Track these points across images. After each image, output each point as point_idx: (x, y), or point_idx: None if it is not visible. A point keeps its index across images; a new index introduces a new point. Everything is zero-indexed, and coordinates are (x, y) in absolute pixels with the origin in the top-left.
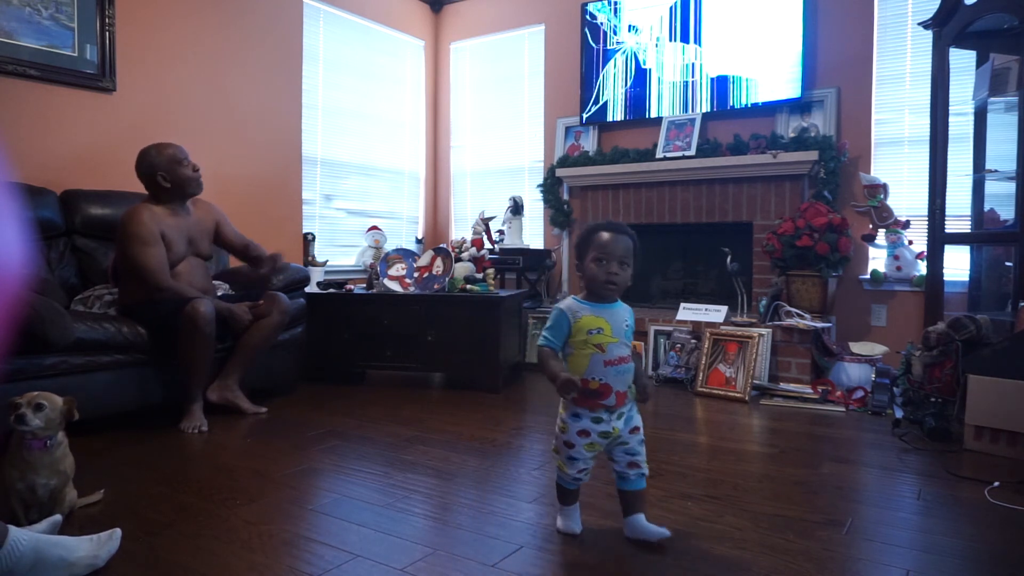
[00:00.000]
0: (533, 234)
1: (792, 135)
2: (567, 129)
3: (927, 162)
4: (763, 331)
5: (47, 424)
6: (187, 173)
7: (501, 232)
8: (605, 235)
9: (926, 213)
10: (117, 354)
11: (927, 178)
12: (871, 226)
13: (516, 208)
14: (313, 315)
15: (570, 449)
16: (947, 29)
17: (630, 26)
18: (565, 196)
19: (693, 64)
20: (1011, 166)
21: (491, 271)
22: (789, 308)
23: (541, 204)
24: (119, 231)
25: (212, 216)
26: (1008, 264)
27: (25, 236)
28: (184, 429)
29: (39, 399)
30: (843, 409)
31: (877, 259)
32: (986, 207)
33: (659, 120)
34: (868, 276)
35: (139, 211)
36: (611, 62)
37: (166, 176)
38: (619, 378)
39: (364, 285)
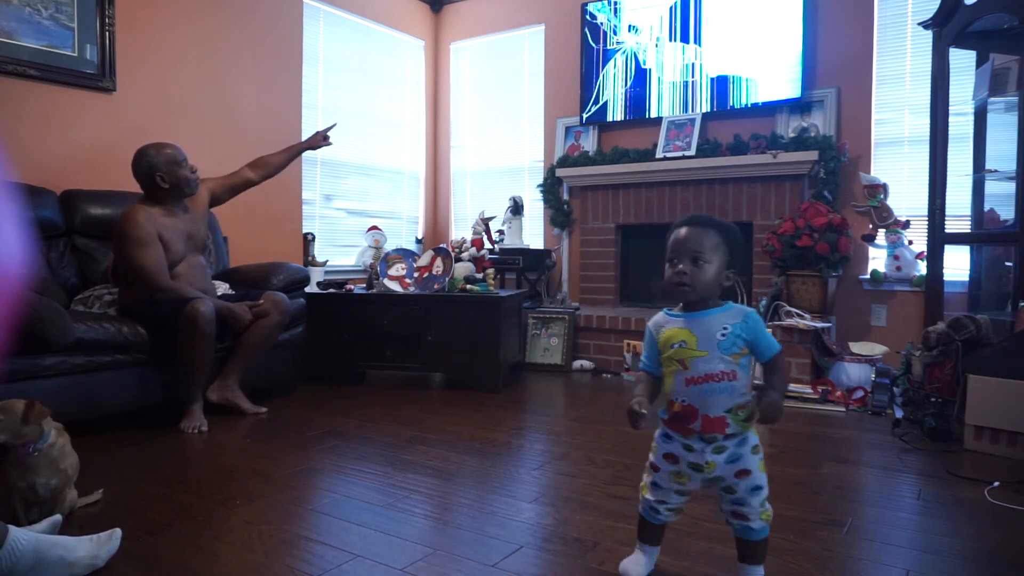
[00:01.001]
0: (533, 234)
1: (792, 135)
2: (567, 129)
3: (927, 162)
4: None
5: (10, 432)
6: (186, 174)
7: (501, 232)
8: (679, 230)
9: (926, 213)
10: (117, 354)
11: (927, 178)
12: (871, 226)
13: (516, 208)
14: (313, 315)
15: (654, 473)
16: (947, 29)
17: (630, 26)
18: (565, 196)
19: (693, 64)
20: (1011, 166)
21: (491, 271)
22: (789, 308)
23: (541, 204)
24: (115, 233)
25: (204, 196)
26: (1008, 264)
27: (25, 236)
28: (184, 429)
29: None
30: (843, 409)
31: (877, 259)
32: (986, 207)
33: (659, 120)
34: (868, 276)
35: (135, 212)
36: (611, 62)
37: (165, 177)
38: (706, 400)
39: (364, 285)
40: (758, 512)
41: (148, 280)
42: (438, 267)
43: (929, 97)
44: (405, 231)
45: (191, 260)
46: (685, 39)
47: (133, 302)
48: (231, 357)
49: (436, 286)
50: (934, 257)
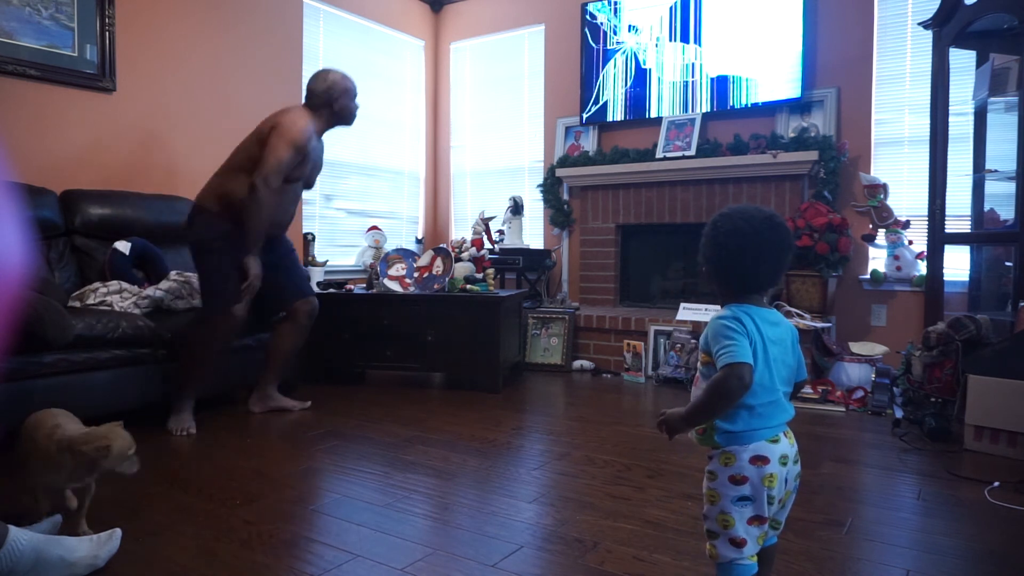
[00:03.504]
0: (533, 234)
1: (792, 135)
2: (567, 129)
3: (927, 162)
4: None
5: (117, 463)
6: (354, 110)
7: (501, 232)
8: None
9: (926, 213)
10: (116, 349)
11: (927, 178)
12: (871, 226)
13: (516, 208)
14: None
15: None
16: (947, 29)
17: (630, 26)
18: (565, 196)
19: (693, 64)
20: (1011, 166)
21: (491, 271)
22: (789, 308)
23: (541, 204)
24: (280, 121)
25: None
26: (1008, 264)
27: (25, 236)
28: (171, 430)
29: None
30: (843, 409)
31: (877, 259)
32: (986, 207)
33: (659, 120)
34: (868, 276)
35: (307, 120)
36: (611, 62)
37: (338, 104)
38: None
39: (364, 285)
40: (704, 521)
41: (265, 170)
42: (438, 267)
43: (929, 97)
44: (405, 231)
45: (296, 186)
46: (685, 39)
47: (217, 210)
48: (266, 366)
49: (436, 286)
50: (934, 257)
